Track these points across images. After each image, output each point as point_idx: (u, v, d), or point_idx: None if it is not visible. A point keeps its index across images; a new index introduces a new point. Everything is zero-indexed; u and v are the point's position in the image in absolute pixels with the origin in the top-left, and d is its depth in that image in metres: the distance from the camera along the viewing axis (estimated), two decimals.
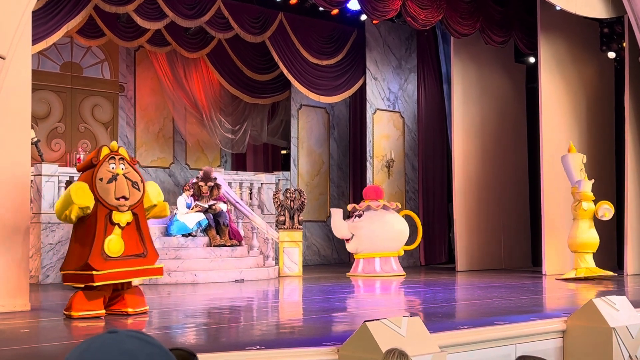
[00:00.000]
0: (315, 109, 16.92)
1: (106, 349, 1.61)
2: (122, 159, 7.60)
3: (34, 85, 8.78)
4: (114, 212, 7.40)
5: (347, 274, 13.58)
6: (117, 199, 7.39)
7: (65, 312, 7.43)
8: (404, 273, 13.65)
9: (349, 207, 14.04)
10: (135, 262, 7.57)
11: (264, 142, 17.24)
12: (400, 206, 14.06)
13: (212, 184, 13.18)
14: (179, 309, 9.00)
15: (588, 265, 12.37)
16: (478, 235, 15.14)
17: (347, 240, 13.72)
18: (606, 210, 12.44)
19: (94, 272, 7.23)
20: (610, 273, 12.51)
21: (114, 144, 7.76)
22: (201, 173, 13.45)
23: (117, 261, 7.43)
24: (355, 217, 13.66)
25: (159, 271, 7.85)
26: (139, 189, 7.55)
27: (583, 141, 14.68)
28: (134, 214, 7.57)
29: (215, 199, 13.12)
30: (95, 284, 7.26)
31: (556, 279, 12.58)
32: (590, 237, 12.45)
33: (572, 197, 12.77)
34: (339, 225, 13.69)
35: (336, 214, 13.79)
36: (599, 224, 13.32)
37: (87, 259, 7.25)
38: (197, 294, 10.62)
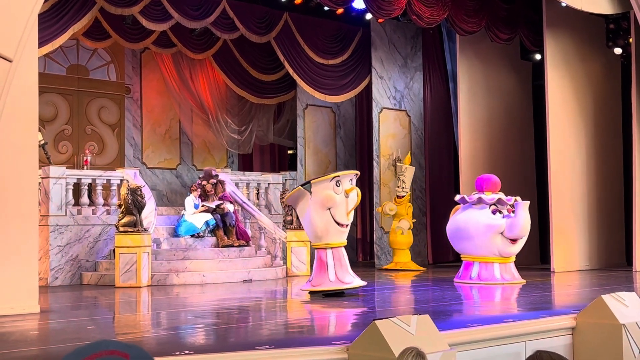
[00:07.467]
0: (321, 109, 16.91)
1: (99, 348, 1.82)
2: None
3: (40, 88, 8.80)
4: None
5: (455, 280, 11.90)
6: None
7: None
8: (524, 280, 11.70)
9: (458, 198, 12.26)
10: None
11: (271, 142, 17.23)
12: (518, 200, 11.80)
13: (214, 180, 13.24)
14: (187, 310, 9.02)
15: (404, 260, 14.79)
16: None
17: (516, 240, 11.53)
18: (388, 209, 14.91)
19: None
20: (422, 268, 14.66)
21: None
22: (202, 174, 13.57)
23: None
24: (509, 213, 11.62)
25: None
26: None
27: (590, 137, 14.65)
28: None
29: (221, 197, 13.16)
30: None
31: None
32: (405, 236, 14.88)
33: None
34: (529, 223, 11.51)
35: (524, 207, 11.41)
36: (607, 220, 13.25)
37: None
38: (206, 294, 10.63)
